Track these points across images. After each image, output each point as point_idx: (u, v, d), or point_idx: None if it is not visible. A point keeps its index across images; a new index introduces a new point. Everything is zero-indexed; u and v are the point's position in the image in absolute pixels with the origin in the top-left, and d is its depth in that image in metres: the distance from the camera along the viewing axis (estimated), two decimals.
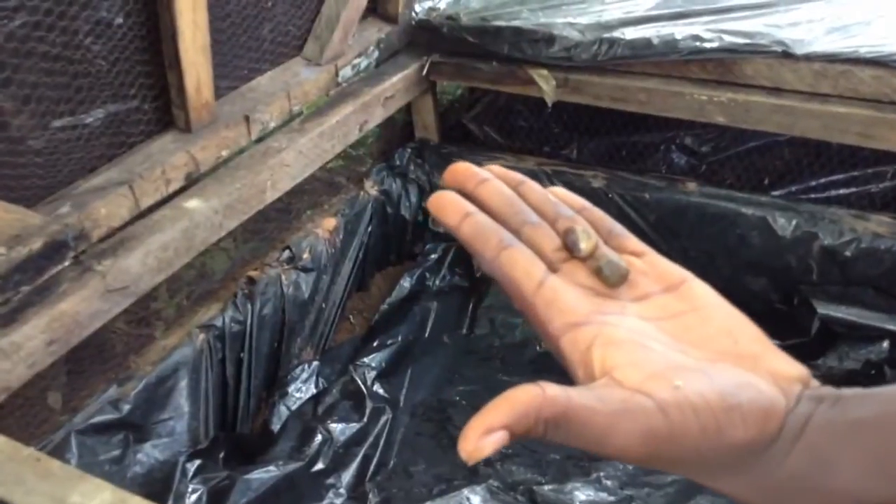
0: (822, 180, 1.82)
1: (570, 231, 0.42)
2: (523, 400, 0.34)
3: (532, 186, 0.46)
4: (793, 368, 0.40)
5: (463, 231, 0.44)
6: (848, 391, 0.38)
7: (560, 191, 0.47)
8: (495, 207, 0.45)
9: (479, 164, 0.47)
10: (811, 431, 0.37)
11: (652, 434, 0.36)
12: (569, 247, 0.42)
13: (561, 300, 0.41)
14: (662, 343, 0.40)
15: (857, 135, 1.43)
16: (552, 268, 0.43)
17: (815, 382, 0.40)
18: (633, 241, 0.45)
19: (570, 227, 0.43)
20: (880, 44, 1.42)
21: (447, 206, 0.45)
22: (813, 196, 1.79)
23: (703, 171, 1.93)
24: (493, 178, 0.46)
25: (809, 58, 1.43)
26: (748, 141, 1.85)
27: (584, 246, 0.42)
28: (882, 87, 1.41)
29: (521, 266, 0.42)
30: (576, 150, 2.02)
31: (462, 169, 0.47)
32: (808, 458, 0.37)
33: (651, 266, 0.44)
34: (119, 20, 1.16)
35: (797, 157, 1.85)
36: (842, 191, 1.82)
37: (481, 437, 0.33)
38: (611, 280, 0.41)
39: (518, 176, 0.47)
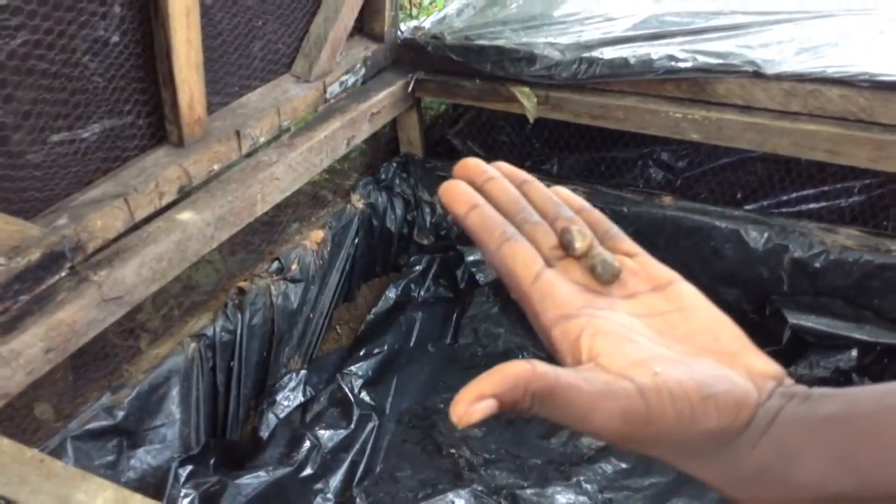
0: (794, 195, 1.88)
1: (567, 230, 0.45)
2: (514, 373, 0.36)
3: (535, 186, 0.49)
4: (768, 366, 0.42)
5: (470, 220, 0.46)
6: (818, 390, 0.40)
7: (562, 191, 0.50)
8: (500, 203, 0.47)
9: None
10: (779, 425, 0.39)
11: (631, 415, 0.38)
12: (565, 245, 0.45)
13: (555, 293, 0.43)
14: (647, 337, 0.42)
15: (826, 151, 1.49)
16: (549, 263, 0.45)
17: (789, 381, 0.42)
18: (628, 243, 0.48)
19: (567, 226, 0.45)
20: (847, 64, 1.48)
21: (457, 195, 0.47)
22: (784, 210, 1.85)
23: (678, 186, 1.99)
24: (500, 176, 0.49)
25: (779, 77, 1.49)
26: (722, 157, 1.91)
27: (579, 245, 0.44)
28: (849, 105, 1.47)
29: (520, 258, 0.45)
30: (556, 164, 2.08)
31: (472, 164, 0.49)
32: (775, 450, 0.39)
33: (642, 266, 0.46)
34: (116, 38, 1.20)
35: (769, 173, 1.91)
36: (812, 205, 1.88)
37: (472, 403, 0.35)
38: (603, 277, 0.44)
39: (523, 174, 0.49)
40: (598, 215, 0.48)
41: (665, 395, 0.38)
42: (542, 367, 0.37)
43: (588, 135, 1.96)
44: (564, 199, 0.49)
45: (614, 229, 0.48)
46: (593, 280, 0.44)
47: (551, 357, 0.42)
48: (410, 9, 3.36)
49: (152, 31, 1.23)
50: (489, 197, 0.48)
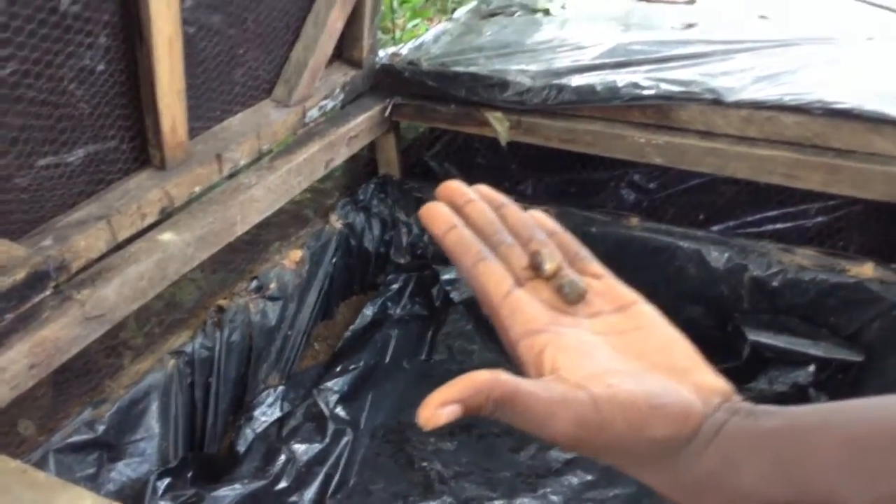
0: (758, 216, 1.95)
1: (537, 253, 0.48)
2: (478, 380, 0.40)
3: (512, 209, 0.52)
4: (716, 383, 0.45)
5: (447, 240, 0.50)
6: (762, 406, 0.43)
7: (537, 214, 0.53)
8: (478, 225, 0.51)
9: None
10: (724, 437, 0.42)
11: (585, 422, 0.41)
12: (535, 266, 0.48)
13: (523, 310, 0.47)
14: (606, 353, 0.45)
15: (782, 175, 1.55)
16: (520, 283, 0.49)
17: (736, 398, 0.45)
18: (595, 265, 0.51)
19: (538, 249, 0.48)
20: (802, 92, 1.55)
21: (436, 216, 0.51)
22: (750, 230, 1.92)
23: (650, 207, 2.06)
24: (479, 199, 0.52)
25: (738, 105, 1.56)
26: (692, 179, 1.98)
27: (549, 266, 0.47)
28: (804, 131, 1.54)
29: (493, 277, 0.48)
30: (532, 186, 2.14)
31: (454, 187, 0.52)
32: (720, 460, 0.42)
33: (607, 288, 0.49)
34: (101, 67, 1.25)
35: (736, 195, 1.98)
36: (778, 225, 1.95)
37: (437, 407, 0.39)
38: (570, 297, 0.47)
39: (501, 198, 0.53)
40: (568, 238, 0.52)
41: (616, 404, 0.41)
42: (504, 375, 0.41)
43: (563, 157, 2.02)
44: (539, 222, 0.52)
45: (583, 252, 0.51)
46: (560, 300, 0.48)
47: (520, 371, 0.45)
48: (394, 31, 3.43)
49: (136, 59, 1.28)
50: (468, 218, 0.51)
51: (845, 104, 1.50)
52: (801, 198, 1.80)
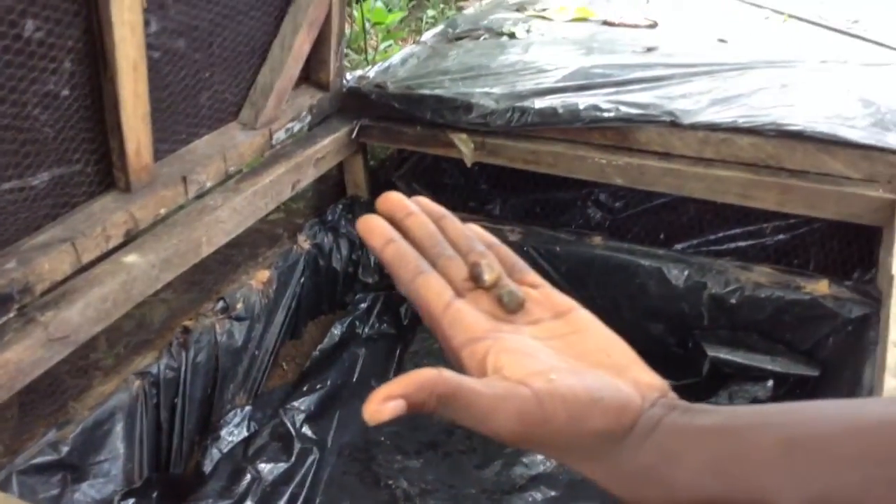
0: (720, 234, 1.99)
1: (477, 264, 0.49)
2: (421, 377, 0.40)
3: (451, 221, 0.53)
4: (653, 380, 0.47)
5: (386, 254, 0.51)
6: (699, 404, 0.45)
7: (475, 228, 0.54)
8: (417, 238, 0.52)
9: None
10: (661, 431, 0.43)
11: (526, 417, 0.42)
12: (475, 277, 0.49)
13: (464, 319, 0.48)
14: (547, 354, 0.46)
15: (737, 195, 1.59)
16: (460, 294, 0.49)
17: (672, 395, 0.46)
18: (532, 275, 0.52)
19: (477, 260, 0.49)
20: (756, 115, 1.60)
21: (374, 230, 0.51)
22: (713, 248, 1.96)
23: (616, 225, 2.10)
24: (419, 212, 0.53)
25: (694, 127, 1.60)
26: (657, 198, 2.02)
27: (488, 277, 0.49)
28: (758, 152, 1.58)
29: (432, 289, 0.49)
30: (499, 205, 2.17)
31: (394, 199, 0.53)
32: (657, 454, 0.43)
33: (545, 297, 0.51)
34: (66, 92, 1.27)
35: (700, 213, 2.02)
36: (740, 243, 1.99)
37: (382, 402, 0.39)
38: (509, 306, 0.48)
39: (440, 210, 0.54)
40: (505, 251, 0.53)
41: (557, 398, 0.42)
42: (447, 373, 0.41)
43: (530, 177, 2.05)
44: (477, 235, 0.53)
45: (521, 263, 0.53)
46: (500, 309, 0.49)
47: None
48: (366, 52, 3.47)
49: (101, 84, 1.30)
50: (408, 231, 0.52)
51: (797, 126, 1.54)
52: (763, 216, 1.84)
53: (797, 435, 0.41)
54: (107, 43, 1.25)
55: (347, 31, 3.61)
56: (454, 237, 0.52)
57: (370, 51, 3.66)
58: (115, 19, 1.23)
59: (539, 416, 0.42)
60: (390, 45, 3.91)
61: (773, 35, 2.09)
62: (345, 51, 3.58)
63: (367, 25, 3.63)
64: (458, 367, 0.47)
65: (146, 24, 1.32)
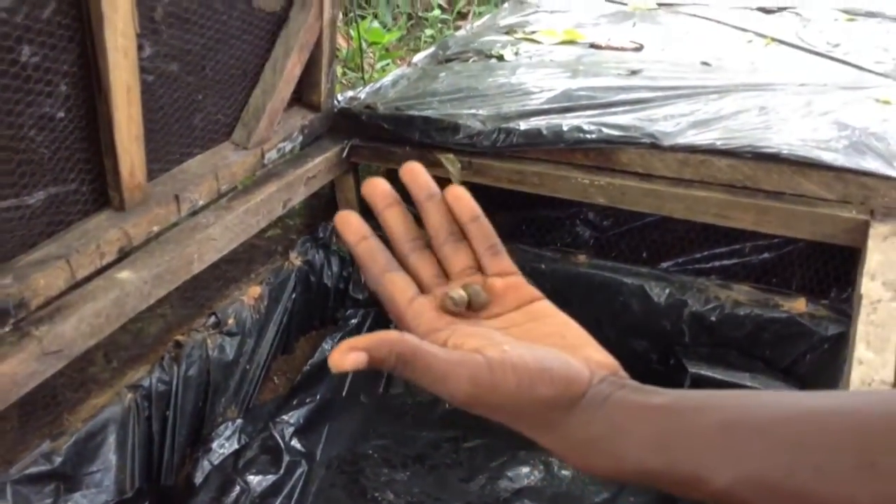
0: (706, 252, 2.03)
1: (446, 295, 0.53)
2: (385, 335, 0.45)
3: (435, 203, 0.56)
4: (605, 358, 0.50)
5: (359, 249, 0.54)
6: (648, 385, 0.49)
7: (461, 194, 0.56)
8: (394, 230, 0.55)
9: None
10: (610, 406, 0.47)
11: (478, 381, 0.45)
12: (444, 306, 0.53)
13: (426, 314, 0.52)
14: (503, 337, 0.50)
15: (715, 215, 1.64)
16: (429, 289, 0.54)
17: (623, 373, 0.50)
18: (505, 262, 0.56)
19: (445, 292, 0.53)
20: (734, 137, 1.64)
21: (349, 226, 0.55)
22: (698, 266, 2.00)
23: (603, 243, 2.14)
24: (400, 204, 0.56)
25: (674, 148, 1.64)
26: (644, 216, 2.06)
27: (454, 308, 0.53)
28: (736, 174, 1.62)
29: (398, 286, 0.54)
30: (489, 222, 2.21)
31: (378, 188, 0.56)
32: (606, 426, 0.46)
33: (511, 287, 0.55)
34: (61, 114, 1.31)
35: (686, 232, 2.06)
36: (725, 262, 2.04)
37: (345, 353, 0.43)
38: (473, 306, 0.53)
39: (429, 188, 0.56)
40: (487, 228, 0.56)
41: (508, 366, 0.46)
42: (409, 336, 0.46)
43: (518, 195, 2.09)
44: (463, 203, 0.56)
45: (498, 246, 0.56)
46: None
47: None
48: (363, 70, 3.52)
49: (96, 106, 1.35)
50: (386, 221, 0.55)
51: (773, 148, 1.58)
52: (746, 235, 1.88)
53: (735, 418, 0.45)
54: (101, 67, 1.30)
55: (345, 50, 3.67)
56: (434, 224, 0.56)
57: (367, 69, 3.72)
58: (108, 44, 1.27)
59: (489, 382, 0.45)
60: (387, 64, 3.97)
61: (756, 58, 2.14)
62: (342, 69, 3.65)
63: (364, 45, 3.68)
64: None
65: (140, 48, 1.36)
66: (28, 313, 1.29)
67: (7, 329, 1.26)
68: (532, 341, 0.50)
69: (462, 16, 5.33)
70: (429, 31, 4.82)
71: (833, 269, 1.82)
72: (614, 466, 0.47)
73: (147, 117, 1.43)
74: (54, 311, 1.31)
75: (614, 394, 0.48)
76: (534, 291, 0.55)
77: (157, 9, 1.40)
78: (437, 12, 4.51)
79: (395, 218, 0.56)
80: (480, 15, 5.39)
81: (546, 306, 0.54)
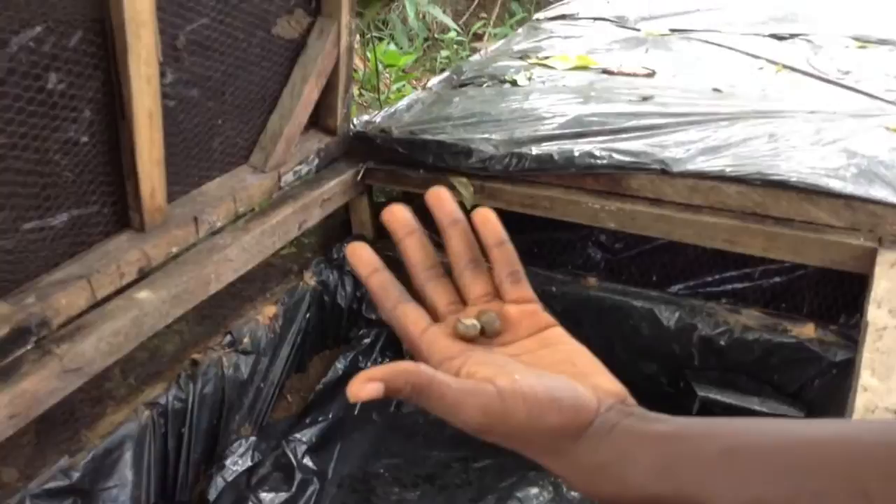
0: (717, 276, 2.05)
1: (458, 321, 0.54)
2: (400, 367, 0.45)
3: (458, 230, 0.57)
4: (613, 386, 0.51)
5: (371, 282, 0.55)
6: (653, 413, 0.49)
7: (489, 217, 0.57)
8: (412, 259, 0.56)
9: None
10: (617, 433, 0.48)
11: (489, 411, 0.46)
12: (460, 333, 0.53)
13: (439, 343, 0.53)
14: (514, 366, 0.51)
15: (724, 241, 1.66)
16: (443, 317, 0.55)
17: (630, 401, 0.51)
18: (524, 290, 0.56)
19: (459, 320, 0.54)
20: (743, 164, 1.66)
21: (361, 259, 0.56)
22: (710, 290, 2.02)
23: (615, 266, 2.16)
24: (419, 232, 0.56)
25: (684, 175, 1.67)
26: (655, 240, 2.08)
27: (468, 325, 0.53)
28: (745, 200, 1.64)
29: (410, 318, 0.54)
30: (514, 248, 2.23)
31: (398, 216, 0.57)
32: (613, 453, 0.47)
33: (526, 314, 0.55)
34: (85, 139, 1.36)
35: (698, 255, 2.08)
36: (737, 285, 2.05)
37: (363, 383, 0.44)
38: (487, 335, 0.54)
39: (453, 214, 0.57)
40: (510, 254, 0.56)
41: (519, 396, 0.47)
42: (424, 367, 0.46)
43: (533, 218, 2.12)
44: (490, 227, 0.56)
45: (520, 273, 0.56)
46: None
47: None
48: (379, 91, 3.57)
49: (118, 131, 1.39)
50: (405, 250, 0.56)
51: (782, 176, 1.60)
52: (758, 260, 1.89)
53: (738, 445, 0.46)
54: (124, 94, 1.34)
55: (361, 71, 3.73)
56: (456, 250, 0.57)
57: (383, 90, 3.77)
58: (132, 72, 1.32)
59: (501, 411, 0.47)
60: (403, 86, 4.02)
61: (767, 85, 2.16)
62: (359, 90, 3.69)
63: (381, 67, 3.73)
64: None
65: (162, 75, 1.41)
66: (50, 332, 1.33)
67: (29, 347, 1.29)
68: (544, 368, 0.52)
69: (478, 37, 5.39)
70: (444, 53, 4.87)
71: (843, 295, 1.83)
72: (620, 492, 0.48)
73: (168, 141, 1.47)
74: (75, 330, 1.35)
75: (621, 422, 0.49)
76: (548, 318, 0.56)
77: (180, 37, 1.45)
78: (452, 34, 4.55)
79: (414, 246, 0.57)
80: (496, 37, 5.44)
81: (559, 333, 0.56)
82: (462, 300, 0.57)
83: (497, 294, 0.57)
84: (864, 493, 0.42)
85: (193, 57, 1.49)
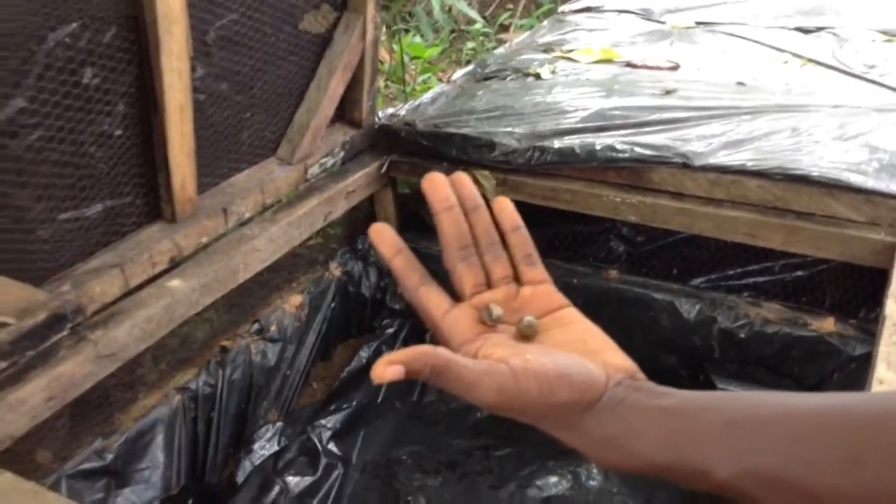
0: (739, 269, 2.06)
1: (486, 307, 0.58)
2: (420, 350, 0.49)
3: (481, 213, 0.61)
4: (622, 362, 0.55)
5: (395, 263, 0.59)
6: (661, 387, 0.54)
7: (506, 205, 0.61)
8: (448, 236, 0.59)
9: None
10: (625, 407, 0.52)
11: (504, 389, 0.50)
12: (483, 319, 0.58)
13: (460, 325, 0.57)
14: (528, 345, 0.55)
15: (744, 234, 1.67)
16: (467, 297, 0.59)
17: (640, 376, 0.55)
18: (539, 271, 0.61)
19: (487, 304, 0.58)
20: (765, 158, 1.67)
21: (385, 239, 0.59)
22: (732, 283, 2.03)
23: (637, 258, 2.18)
24: (457, 208, 0.60)
25: (705, 169, 1.68)
26: (678, 232, 2.09)
27: (494, 315, 0.58)
28: (766, 194, 1.65)
29: (432, 300, 0.58)
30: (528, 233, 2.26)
31: (439, 186, 0.60)
32: (622, 425, 0.52)
33: (540, 294, 0.60)
34: (119, 132, 1.40)
35: (721, 248, 2.09)
36: (759, 278, 2.06)
37: (385, 366, 0.48)
38: (524, 336, 0.57)
39: (475, 200, 0.61)
40: (525, 238, 0.61)
41: (531, 374, 0.51)
42: (442, 350, 0.51)
43: (555, 210, 2.14)
44: (507, 214, 0.61)
45: (534, 256, 0.61)
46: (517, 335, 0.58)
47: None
48: (404, 83, 3.60)
49: (151, 124, 1.43)
50: (440, 225, 0.59)
51: (803, 170, 1.61)
52: (780, 253, 1.90)
53: (738, 417, 0.50)
54: (157, 88, 1.38)
55: (387, 63, 3.76)
56: (479, 233, 0.60)
57: (409, 81, 3.80)
58: (164, 67, 1.36)
59: (514, 389, 0.50)
60: (429, 77, 4.05)
61: (791, 79, 2.16)
62: (385, 82, 3.73)
63: (406, 59, 3.76)
64: None
65: (192, 69, 1.45)
66: (84, 318, 1.38)
67: (65, 333, 1.34)
68: (557, 346, 0.55)
69: (504, 28, 5.39)
70: (470, 44, 4.89)
71: (864, 289, 1.84)
72: (628, 462, 0.52)
73: (198, 134, 1.52)
74: (109, 317, 1.40)
75: (629, 396, 0.52)
76: (561, 299, 0.61)
77: (210, 32, 1.48)
78: (478, 25, 4.57)
79: (450, 222, 0.60)
80: (522, 28, 5.44)
81: (571, 313, 0.60)
82: (487, 283, 0.61)
83: (515, 276, 0.61)
84: (855, 461, 0.45)
85: (223, 52, 1.53)
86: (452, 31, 5.05)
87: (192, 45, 1.41)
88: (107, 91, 1.34)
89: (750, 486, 0.48)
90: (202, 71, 1.50)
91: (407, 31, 4.53)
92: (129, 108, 1.39)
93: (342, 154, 1.93)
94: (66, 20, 1.23)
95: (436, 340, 0.61)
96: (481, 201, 0.61)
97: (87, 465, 1.40)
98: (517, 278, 0.62)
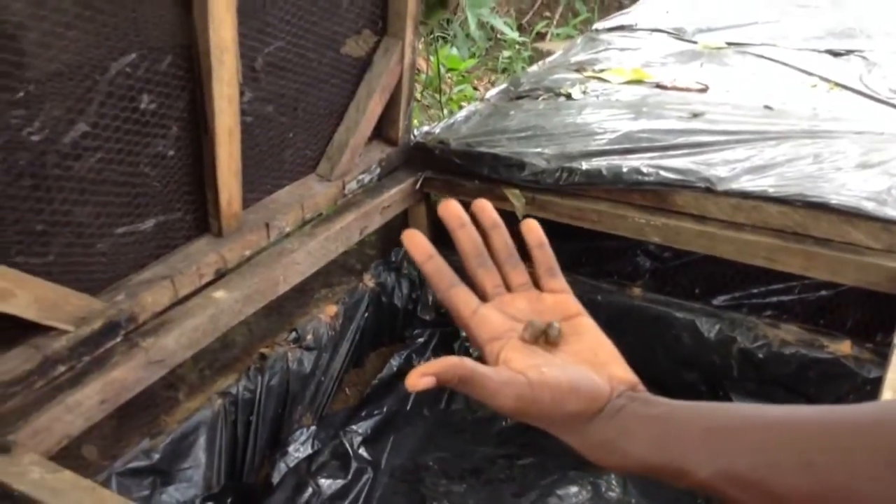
0: (762, 288, 2.11)
1: (527, 326, 0.63)
2: (449, 361, 0.56)
3: (499, 232, 0.68)
4: (626, 375, 0.62)
5: (427, 267, 0.65)
6: (655, 397, 0.61)
7: (533, 226, 0.69)
8: (465, 248, 0.67)
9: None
10: (623, 415, 0.59)
11: (521, 397, 0.57)
12: (523, 336, 0.63)
13: (487, 323, 0.64)
14: (544, 352, 0.62)
15: (764, 258, 1.72)
16: (490, 297, 0.65)
17: (640, 388, 0.62)
18: (559, 281, 0.68)
19: (528, 322, 0.63)
20: (786, 184, 1.72)
21: (417, 245, 0.66)
22: (755, 301, 2.08)
23: (662, 274, 2.23)
24: (469, 225, 0.67)
25: (728, 193, 1.74)
26: None
27: (533, 335, 0.63)
28: (786, 220, 1.71)
29: (462, 299, 0.65)
30: (554, 252, 2.33)
31: (452, 210, 0.68)
32: (619, 431, 0.59)
33: (559, 302, 0.66)
34: (171, 153, 1.49)
35: (745, 267, 2.14)
36: (782, 297, 2.10)
37: (419, 377, 0.54)
38: (549, 340, 0.64)
39: (492, 219, 0.68)
40: (548, 254, 0.68)
41: (545, 386, 0.58)
42: (468, 361, 0.57)
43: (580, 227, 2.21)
44: (534, 235, 0.68)
45: (556, 269, 0.69)
46: (522, 313, 0.65)
47: (485, 363, 0.62)
48: (440, 93, 3.68)
49: (201, 146, 1.53)
50: (457, 241, 0.67)
51: (823, 198, 1.66)
52: (801, 276, 1.94)
53: (714, 426, 0.57)
54: (207, 112, 1.47)
55: (424, 74, 3.84)
56: (499, 246, 0.68)
57: (445, 90, 3.88)
58: (216, 93, 1.45)
59: (531, 398, 0.58)
60: (464, 88, 4.13)
61: (818, 103, 2.20)
62: (421, 91, 3.81)
63: (443, 69, 3.85)
64: (481, 355, 0.64)
65: (241, 94, 1.54)
66: (136, 326, 1.47)
67: (118, 340, 1.44)
68: (571, 354, 0.63)
69: (540, 36, 5.45)
70: (506, 53, 4.95)
71: (883, 313, 1.88)
72: (622, 462, 0.59)
73: (244, 153, 1.61)
74: (159, 325, 1.49)
75: (627, 405, 0.60)
76: (578, 307, 0.68)
77: (258, 59, 1.58)
78: (514, 35, 4.64)
79: (465, 237, 0.67)
80: (558, 37, 5.49)
81: (586, 322, 0.67)
82: (506, 285, 0.69)
83: (534, 284, 0.69)
84: (808, 464, 0.53)
85: (270, 77, 1.62)
86: (489, 39, 5.12)
87: (241, 71, 1.51)
88: (162, 115, 1.43)
89: (724, 486, 0.55)
90: (250, 95, 1.59)
91: (444, 38, 4.61)
92: (182, 131, 1.49)
93: (378, 171, 2.02)
94: (126, 51, 1.33)
95: (463, 350, 0.70)
96: (500, 222, 0.69)
97: (135, 464, 1.50)
98: (539, 287, 0.69)
